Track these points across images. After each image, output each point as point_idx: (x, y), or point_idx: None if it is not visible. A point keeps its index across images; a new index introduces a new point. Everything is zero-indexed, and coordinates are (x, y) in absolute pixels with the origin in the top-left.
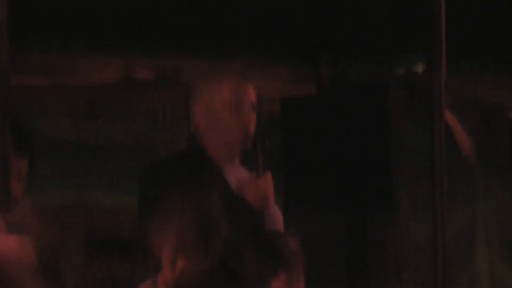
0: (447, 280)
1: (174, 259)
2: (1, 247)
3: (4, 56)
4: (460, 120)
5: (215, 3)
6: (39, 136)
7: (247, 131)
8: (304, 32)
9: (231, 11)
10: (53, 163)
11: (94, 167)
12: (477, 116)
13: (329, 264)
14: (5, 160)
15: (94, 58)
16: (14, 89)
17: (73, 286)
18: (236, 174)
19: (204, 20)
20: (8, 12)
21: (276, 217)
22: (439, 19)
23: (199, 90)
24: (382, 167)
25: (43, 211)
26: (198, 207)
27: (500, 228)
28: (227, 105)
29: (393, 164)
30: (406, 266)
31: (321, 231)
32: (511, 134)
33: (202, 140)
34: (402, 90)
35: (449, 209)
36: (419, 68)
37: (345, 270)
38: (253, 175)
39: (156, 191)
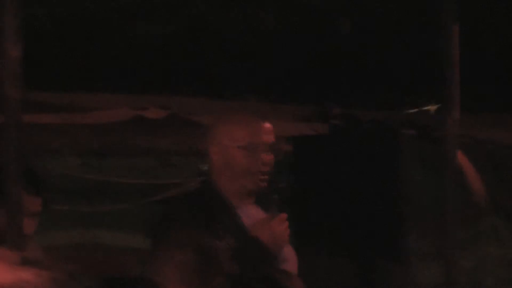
0: None
1: None
2: (19, 280)
3: (17, 93)
4: (472, 162)
5: (226, 44)
6: (49, 173)
7: (263, 172)
8: (315, 72)
9: (241, 51)
10: (62, 200)
11: (103, 205)
12: (488, 158)
13: None
14: (18, 199)
15: (104, 96)
16: (25, 127)
17: None
18: (251, 214)
19: (214, 60)
20: (21, 54)
21: (291, 258)
22: (453, 60)
23: (215, 129)
24: (393, 208)
25: (52, 248)
26: (206, 245)
27: (509, 270)
28: (241, 146)
29: (403, 205)
30: None
31: (331, 275)
32: None
33: (217, 178)
34: (414, 130)
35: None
36: (431, 108)
37: None
38: (268, 216)
39: (168, 228)
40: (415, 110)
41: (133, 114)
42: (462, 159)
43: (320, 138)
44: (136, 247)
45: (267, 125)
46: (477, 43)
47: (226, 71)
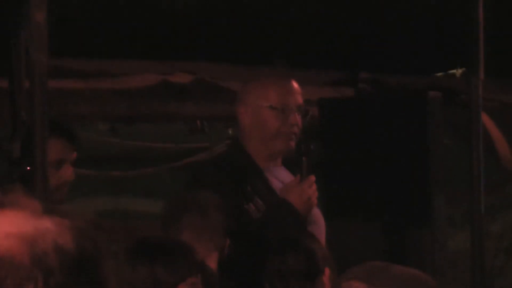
0: None
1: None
2: (39, 228)
3: (43, 58)
4: (499, 126)
5: (254, 9)
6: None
7: (291, 132)
8: (343, 37)
9: (270, 16)
10: (90, 166)
11: (131, 170)
12: None
13: None
14: (43, 161)
15: (131, 62)
16: (53, 93)
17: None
18: (280, 176)
19: (243, 25)
20: (47, 15)
21: (319, 221)
22: (477, 23)
23: (245, 91)
24: (420, 173)
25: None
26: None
27: None
28: (272, 106)
29: (431, 170)
30: (444, 279)
31: (359, 241)
32: None
33: (245, 140)
34: (440, 94)
35: (487, 218)
36: (457, 73)
37: None
38: (296, 178)
39: (197, 191)
40: (442, 74)
41: (159, 79)
42: (488, 122)
43: (348, 102)
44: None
45: (296, 86)
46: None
47: (252, 36)
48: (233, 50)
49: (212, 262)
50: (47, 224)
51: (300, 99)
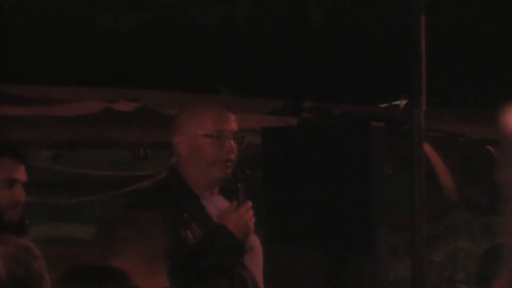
0: None
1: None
2: None
3: None
4: (441, 156)
5: (200, 36)
6: None
7: (228, 159)
8: (288, 66)
9: (215, 44)
10: (33, 193)
11: (74, 197)
12: (457, 152)
13: None
14: None
15: (75, 89)
16: None
17: None
18: (216, 203)
19: (188, 52)
20: None
21: (256, 246)
22: (419, 56)
23: (180, 119)
24: (363, 201)
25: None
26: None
27: (479, 264)
28: (208, 132)
29: (373, 198)
30: None
31: (301, 267)
32: (491, 169)
33: (182, 169)
34: (383, 124)
35: (429, 246)
36: (401, 104)
37: None
38: (233, 204)
39: (133, 218)
40: (386, 104)
41: (103, 106)
42: (430, 152)
43: (290, 131)
44: None
45: (230, 114)
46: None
47: (196, 64)
48: (177, 77)
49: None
50: None
51: (235, 126)
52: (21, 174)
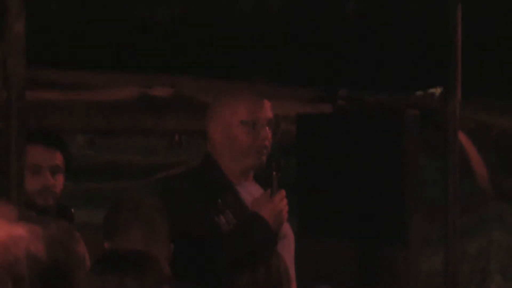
0: None
1: None
2: (12, 235)
3: (21, 69)
4: (475, 147)
5: (233, 25)
6: None
7: (262, 146)
8: (323, 54)
9: (249, 32)
10: (68, 178)
11: (108, 183)
12: (491, 142)
13: None
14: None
15: (110, 75)
16: (31, 104)
17: None
18: (250, 191)
19: (224, 40)
20: (28, 26)
21: (289, 235)
22: (455, 43)
23: (215, 107)
24: (396, 191)
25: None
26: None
27: None
28: (243, 121)
29: (406, 189)
30: None
31: (332, 258)
32: None
33: (217, 156)
34: (418, 113)
35: (463, 238)
36: (436, 92)
37: None
38: (267, 192)
39: (170, 205)
40: (421, 93)
41: (139, 92)
42: (466, 143)
43: (325, 119)
44: None
45: (266, 101)
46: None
47: (233, 51)
48: (213, 64)
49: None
50: (20, 232)
51: (270, 114)
52: (50, 160)
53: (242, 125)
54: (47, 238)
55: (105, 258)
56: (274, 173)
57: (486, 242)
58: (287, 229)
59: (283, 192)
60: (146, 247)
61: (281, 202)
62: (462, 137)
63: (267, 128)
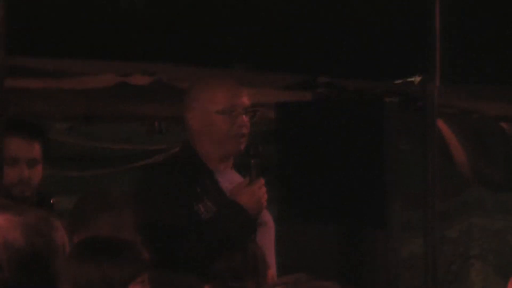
0: None
1: None
2: None
3: (0, 57)
4: (455, 133)
5: (214, 11)
6: None
7: (240, 134)
8: (302, 41)
9: (231, 20)
10: (49, 166)
11: (88, 170)
12: (471, 128)
13: (317, 276)
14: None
15: (89, 62)
16: (10, 91)
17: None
18: (229, 178)
19: (203, 27)
20: (4, 15)
21: (268, 222)
22: (433, 30)
23: (192, 95)
24: (375, 177)
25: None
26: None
27: (494, 240)
28: (221, 108)
29: (386, 174)
30: (398, 283)
31: (313, 243)
32: (505, 145)
33: (195, 144)
34: (397, 99)
35: (443, 223)
36: (415, 80)
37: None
38: (246, 180)
39: (150, 193)
40: (401, 80)
41: (118, 80)
42: (445, 129)
43: (304, 106)
44: None
45: (242, 88)
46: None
47: (211, 38)
48: (192, 51)
49: None
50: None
51: (247, 101)
52: (28, 152)
53: (220, 113)
54: (24, 226)
55: (83, 245)
56: (253, 160)
57: (466, 227)
58: (266, 217)
59: (262, 180)
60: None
61: (259, 189)
62: (441, 124)
63: (244, 115)
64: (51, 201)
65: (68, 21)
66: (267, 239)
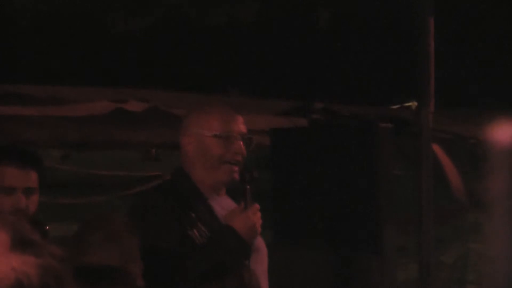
0: None
1: None
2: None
3: None
4: (451, 157)
5: (207, 38)
6: None
7: (235, 161)
8: (297, 68)
9: (226, 47)
10: (42, 193)
11: (83, 198)
12: (469, 153)
13: None
14: None
15: (84, 89)
16: (4, 119)
17: None
18: (223, 205)
19: (198, 54)
20: None
21: (262, 248)
22: (427, 53)
23: (188, 119)
24: (369, 202)
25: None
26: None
27: (491, 266)
28: (216, 133)
29: (380, 199)
30: None
31: (307, 269)
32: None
33: (189, 169)
34: (393, 125)
35: (439, 248)
36: (412, 105)
37: None
38: (241, 205)
39: (143, 220)
40: (397, 106)
41: (113, 106)
42: (440, 153)
43: (300, 132)
44: None
45: (239, 115)
46: (456, 38)
47: (207, 65)
48: (187, 78)
49: None
50: (12, 263)
51: (243, 128)
52: (24, 181)
53: (215, 138)
54: (40, 268)
55: (76, 272)
56: (248, 186)
57: (462, 252)
58: (259, 243)
59: (256, 206)
60: (117, 264)
61: (254, 215)
62: (437, 148)
63: (240, 142)
64: (47, 228)
65: (63, 49)
66: (260, 264)
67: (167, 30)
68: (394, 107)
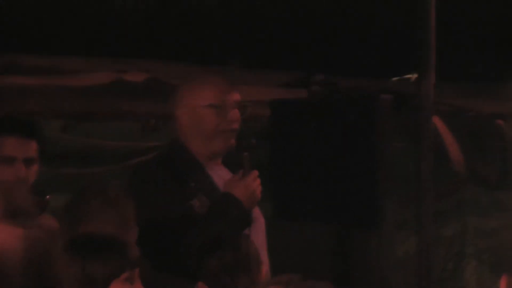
0: None
1: None
2: None
3: None
4: (451, 130)
5: (209, 9)
6: None
7: (230, 129)
8: (298, 39)
9: (227, 17)
10: (44, 164)
11: (84, 168)
12: (467, 126)
13: (311, 275)
14: None
15: (85, 59)
16: (4, 89)
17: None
18: (220, 174)
19: (198, 25)
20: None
21: (258, 217)
22: (428, 27)
23: (181, 91)
24: (368, 175)
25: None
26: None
27: (489, 239)
28: (210, 103)
29: (379, 172)
30: (390, 283)
31: (305, 241)
32: (500, 143)
33: (185, 139)
34: (392, 97)
35: (438, 222)
36: (412, 77)
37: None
38: (239, 173)
39: (143, 190)
40: (397, 78)
41: (113, 77)
42: (440, 126)
43: (299, 104)
44: None
45: (232, 85)
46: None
47: (206, 36)
48: (187, 49)
49: None
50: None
51: (237, 96)
52: (25, 152)
53: (210, 107)
54: (28, 239)
55: (70, 241)
56: (245, 153)
57: (461, 226)
58: (257, 214)
59: (255, 172)
60: (113, 231)
61: (254, 182)
62: (437, 121)
63: (236, 110)
64: (47, 197)
65: (63, 19)
66: (258, 235)
67: (168, 1)
68: (395, 79)
